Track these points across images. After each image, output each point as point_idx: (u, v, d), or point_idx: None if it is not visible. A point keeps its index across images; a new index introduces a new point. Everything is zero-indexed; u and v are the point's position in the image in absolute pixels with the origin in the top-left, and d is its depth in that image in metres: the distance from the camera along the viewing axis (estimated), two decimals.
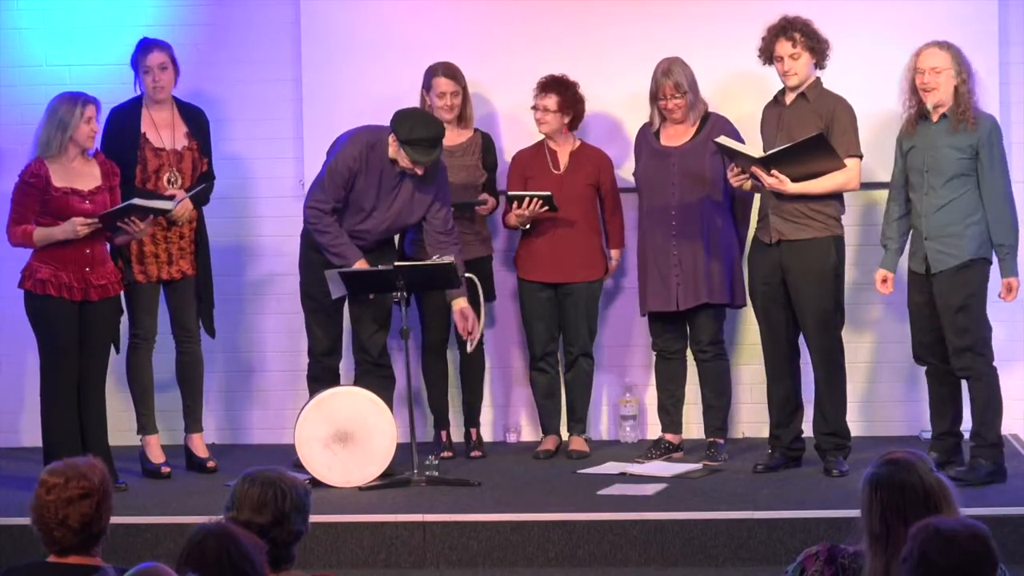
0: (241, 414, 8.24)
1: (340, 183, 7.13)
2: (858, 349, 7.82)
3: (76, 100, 6.86)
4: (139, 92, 7.35)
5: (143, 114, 7.32)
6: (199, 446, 7.52)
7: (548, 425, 7.79)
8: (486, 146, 7.74)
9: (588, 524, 6.37)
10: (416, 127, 7.01)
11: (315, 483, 6.78)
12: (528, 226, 7.58)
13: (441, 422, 7.83)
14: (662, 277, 7.35)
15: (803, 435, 7.23)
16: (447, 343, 7.75)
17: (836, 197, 7.06)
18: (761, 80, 7.42)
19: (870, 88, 7.52)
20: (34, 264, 6.89)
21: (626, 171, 7.74)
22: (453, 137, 7.64)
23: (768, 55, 7.07)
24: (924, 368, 7.02)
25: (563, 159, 7.66)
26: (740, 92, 7.70)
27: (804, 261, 6.99)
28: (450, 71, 7.61)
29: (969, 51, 6.85)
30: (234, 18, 8.12)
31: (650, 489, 6.83)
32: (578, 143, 7.70)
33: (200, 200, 7.36)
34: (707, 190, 7.35)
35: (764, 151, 6.98)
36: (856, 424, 7.50)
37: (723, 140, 6.97)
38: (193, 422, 7.53)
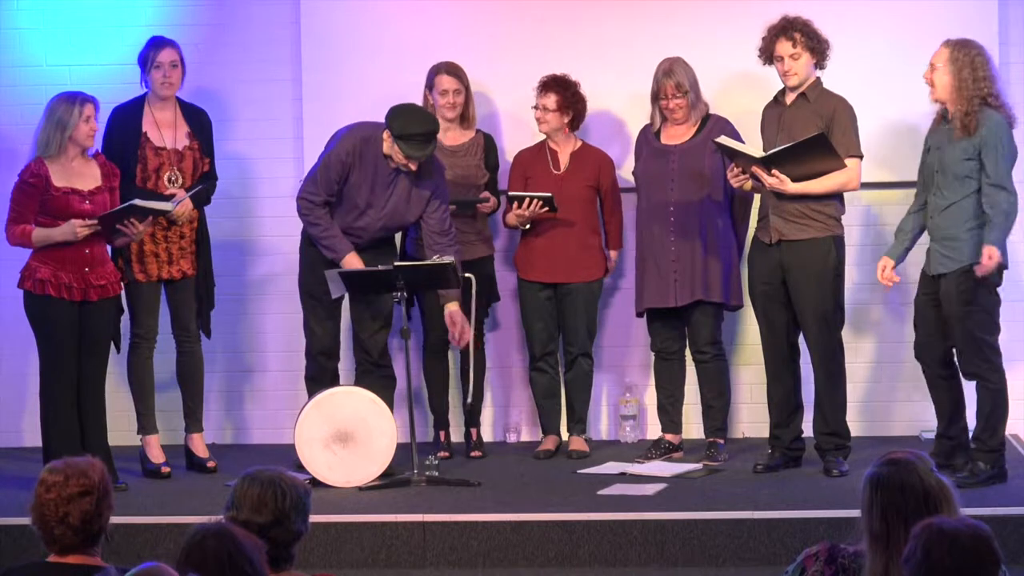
0: (241, 414, 8.24)
1: (333, 177, 7.13)
2: (858, 349, 7.82)
3: (74, 99, 6.86)
4: (145, 89, 7.34)
5: (145, 113, 7.31)
6: (199, 446, 7.51)
7: (548, 425, 7.79)
8: (488, 147, 7.75)
9: (588, 524, 6.36)
10: (410, 122, 7.00)
11: (315, 483, 6.78)
12: (528, 226, 7.58)
13: (441, 422, 7.84)
14: (660, 273, 7.35)
15: (803, 435, 7.23)
16: (448, 344, 7.75)
17: (836, 197, 7.05)
18: (761, 80, 7.42)
19: (870, 88, 7.53)
20: (34, 264, 6.89)
21: (627, 171, 7.74)
22: (455, 137, 7.65)
23: (768, 55, 7.07)
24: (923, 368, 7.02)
25: (564, 160, 7.66)
26: (740, 92, 7.71)
27: (804, 261, 6.98)
28: (453, 69, 7.62)
29: None
30: (234, 18, 8.12)
31: (650, 489, 6.83)
32: (579, 143, 7.70)
33: (201, 200, 7.35)
34: (707, 189, 7.35)
35: (764, 151, 6.98)
36: (856, 424, 7.50)
37: (723, 140, 6.96)
38: (193, 422, 7.53)
